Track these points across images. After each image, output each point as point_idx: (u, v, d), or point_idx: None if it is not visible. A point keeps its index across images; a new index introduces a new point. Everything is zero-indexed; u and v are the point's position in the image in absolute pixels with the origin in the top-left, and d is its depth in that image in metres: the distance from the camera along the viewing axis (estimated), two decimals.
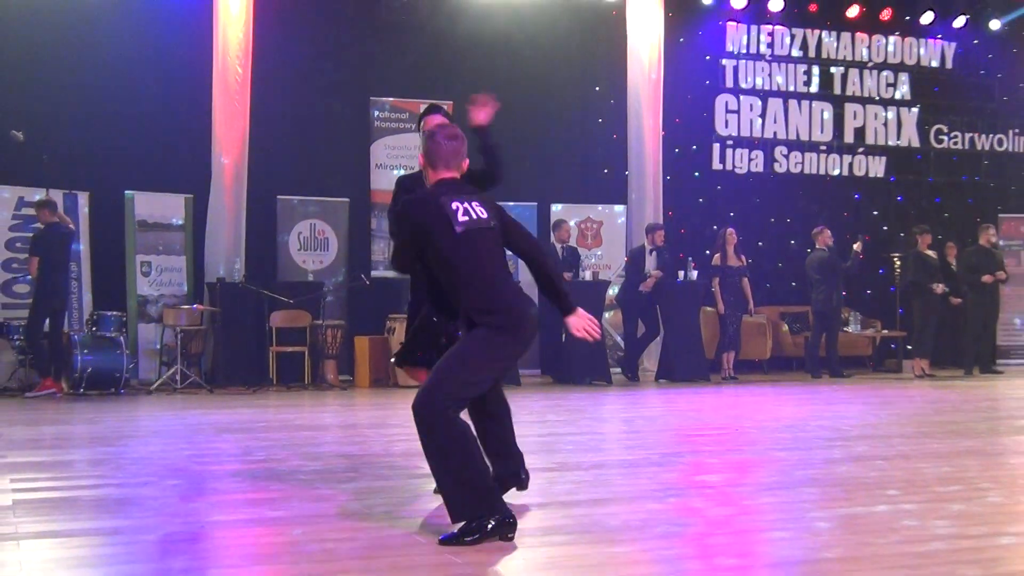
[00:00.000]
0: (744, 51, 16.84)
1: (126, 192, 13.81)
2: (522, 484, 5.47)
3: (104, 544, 4.81)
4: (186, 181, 14.06)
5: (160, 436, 8.99)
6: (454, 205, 4.95)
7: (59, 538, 4.94)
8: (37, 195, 13.12)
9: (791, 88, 17.06)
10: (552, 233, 14.63)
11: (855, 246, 15.36)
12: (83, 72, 13.38)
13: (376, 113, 14.94)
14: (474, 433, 4.93)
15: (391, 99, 14.97)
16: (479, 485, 4.62)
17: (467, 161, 5.24)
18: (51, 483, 6.50)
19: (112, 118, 13.39)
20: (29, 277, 12.72)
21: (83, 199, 13.61)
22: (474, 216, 4.96)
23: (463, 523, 4.56)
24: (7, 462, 7.36)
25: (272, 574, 4.25)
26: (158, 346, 13.74)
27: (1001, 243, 16.68)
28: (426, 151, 5.16)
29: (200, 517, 5.47)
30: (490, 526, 4.53)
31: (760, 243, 16.46)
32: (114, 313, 13.06)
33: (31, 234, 12.75)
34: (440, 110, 6.38)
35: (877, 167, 17.40)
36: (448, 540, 4.56)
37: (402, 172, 14.17)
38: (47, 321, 12.55)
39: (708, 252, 15.32)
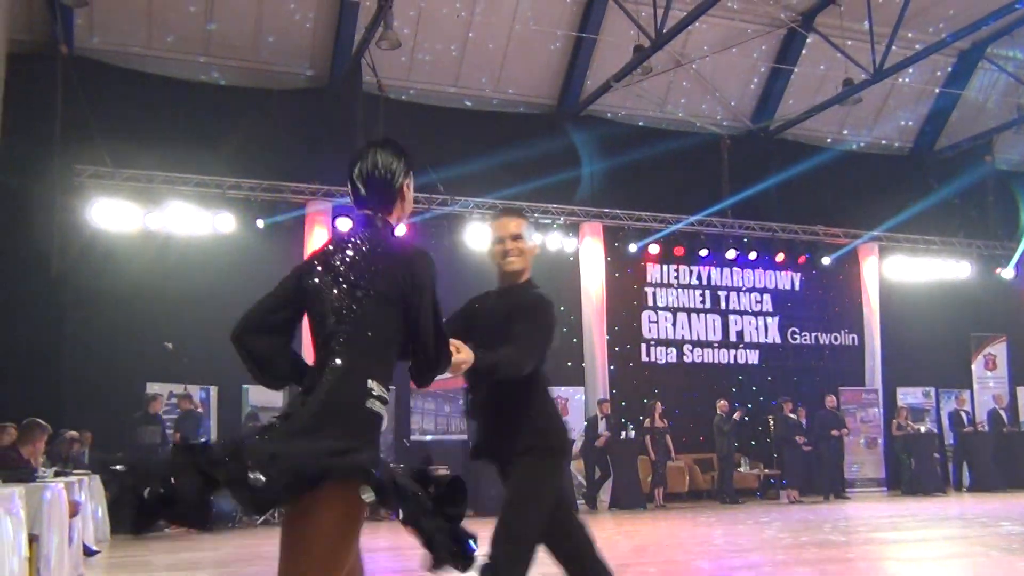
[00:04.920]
0: (659, 281, 17.06)
1: (243, 386, 13.75)
2: None
3: None
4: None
5: (261, 559, 8.69)
6: None
7: None
8: (180, 389, 13.08)
9: (692, 305, 17.22)
10: None
11: (735, 415, 15.36)
12: (220, 304, 13.15)
13: None
14: None
15: None
16: None
17: None
18: None
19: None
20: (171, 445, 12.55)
21: (212, 391, 13.52)
22: None
23: None
24: None
25: None
26: None
27: (842, 407, 16.60)
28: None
29: None
30: None
31: (677, 411, 16.31)
32: None
33: (176, 416, 12.64)
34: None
35: (752, 357, 17.42)
36: None
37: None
38: None
39: (641, 417, 15.20)
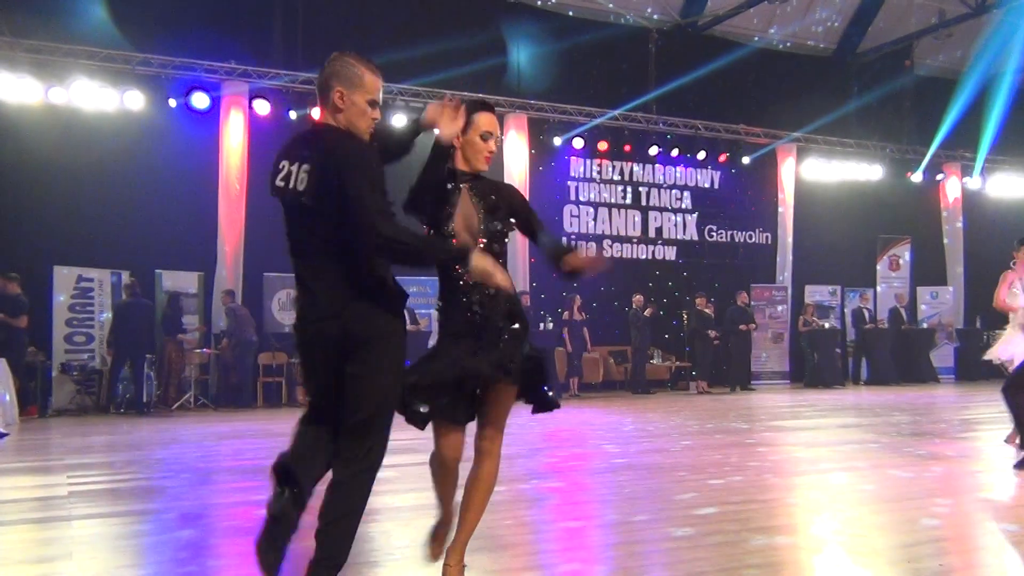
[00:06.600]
0: (582, 176, 17.09)
1: (156, 270, 13.43)
2: None
3: (135, 522, 4.64)
4: (199, 262, 13.73)
5: (177, 443, 8.68)
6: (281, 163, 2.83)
7: (102, 519, 4.74)
8: (92, 274, 12.70)
9: (613, 201, 17.34)
10: None
11: (647, 311, 15.67)
12: (130, 187, 12.88)
13: None
14: None
15: None
16: None
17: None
18: (97, 478, 6.24)
19: (146, 218, 12.95)
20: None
21: (124, 276, 13.16)
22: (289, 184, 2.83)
23: None
24: (65, 463, 7.05)
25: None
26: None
27: (752, 303, 17.13)
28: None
29: (203, 501, 5.30)
30: None
31: (595, 304, 16.59)
32: (147, 355, 12.63)
33: (86, 302, 12.29)
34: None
35: (670, 254, 17.73)
36: None
37: None
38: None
39: (560, 310, 15.43)
